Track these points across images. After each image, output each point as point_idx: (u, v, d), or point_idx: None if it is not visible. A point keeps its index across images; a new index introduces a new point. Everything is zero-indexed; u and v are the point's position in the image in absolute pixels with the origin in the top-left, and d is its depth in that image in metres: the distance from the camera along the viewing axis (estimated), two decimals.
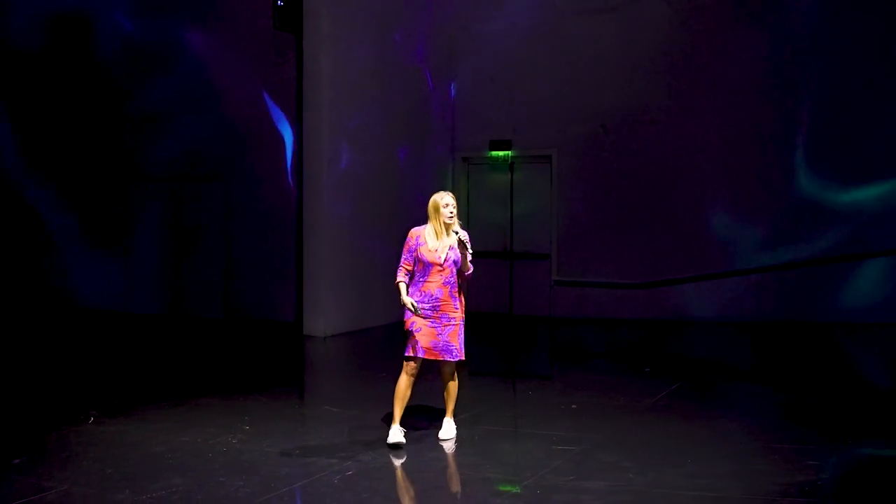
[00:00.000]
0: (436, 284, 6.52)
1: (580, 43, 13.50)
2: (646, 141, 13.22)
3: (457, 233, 6.55)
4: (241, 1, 13.22)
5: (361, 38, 12.45)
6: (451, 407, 6.84)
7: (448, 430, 6.82)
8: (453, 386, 6.76)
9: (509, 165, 14.06)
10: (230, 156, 13.43)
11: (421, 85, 13.67)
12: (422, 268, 6.55)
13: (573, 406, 7.98)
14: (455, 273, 6.59)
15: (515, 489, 5.69)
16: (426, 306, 6.52)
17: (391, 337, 10.75)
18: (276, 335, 12.18)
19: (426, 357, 6.55)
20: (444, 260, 6.52)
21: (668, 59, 13.10)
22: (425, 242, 6.55)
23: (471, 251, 6.60)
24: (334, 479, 5.84)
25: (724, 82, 12.84)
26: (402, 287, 6.59)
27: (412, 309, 6.51)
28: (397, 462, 6.30)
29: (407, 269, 6.61)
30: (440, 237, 6.55)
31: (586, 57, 13.47)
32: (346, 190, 12.20)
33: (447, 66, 14.13)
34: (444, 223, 6.55)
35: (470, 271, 6.68)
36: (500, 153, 14.04)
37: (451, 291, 6.57)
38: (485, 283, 14.16)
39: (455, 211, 6.59)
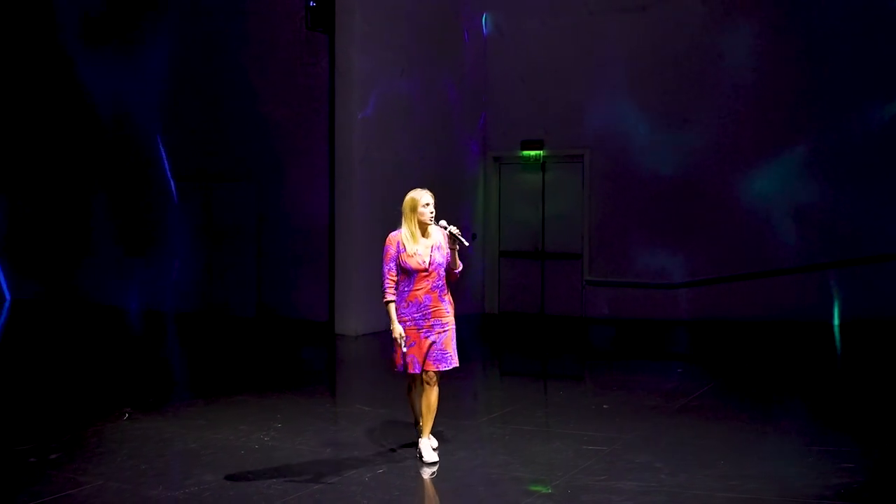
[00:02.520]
0: (423, 291, 6.00)
1: (612, 42, 13.43)
2: (678, 140, 13.11)
3: (445, 227, 6.00)
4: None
5: (394, 38, 12.47)
6: (430, 422, 6.18)
7: (430, 452, 6.19)
8: (435, 397, 6.11)
9: (541, 165, 14.02)
10: (263, 156, 13.51)
11: (455, 81, 13.68)
12: (406, 276, 6.01)
13: (604, 406, 7.94)
14: (442, 275, 6.08)
15: (546, 489, 5.67)
16: (417, 316, 6.02)
17: None
18: (308, 334, 12.25)
19: (425, 369, 6.10)
20: (430, 263, 6.01)
21: (701, 58, 12.98)
22: (404, 249, 6.01)
23: (467, 243, 6.04)
24: (365, 477, 5.86)
25: (757, 81, 12.70)
26: (392, 310, 6.03)
27: (400, 341, 6.00)
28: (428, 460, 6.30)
29: (393, 282, 6.04)
30: (416, 240, 6.03)
31: (618, 56, 13.39)
32: (377, 190, 12.22)
33: (479, 65, 14.14)
34: (422, 223, 6.03)
35: (459, 269, 6.11)
36: (532, 153, 14.00)
37: (440, 295, 6.06)
38: (517, 282, 14.18)
39: (434, 211, 6.06)
